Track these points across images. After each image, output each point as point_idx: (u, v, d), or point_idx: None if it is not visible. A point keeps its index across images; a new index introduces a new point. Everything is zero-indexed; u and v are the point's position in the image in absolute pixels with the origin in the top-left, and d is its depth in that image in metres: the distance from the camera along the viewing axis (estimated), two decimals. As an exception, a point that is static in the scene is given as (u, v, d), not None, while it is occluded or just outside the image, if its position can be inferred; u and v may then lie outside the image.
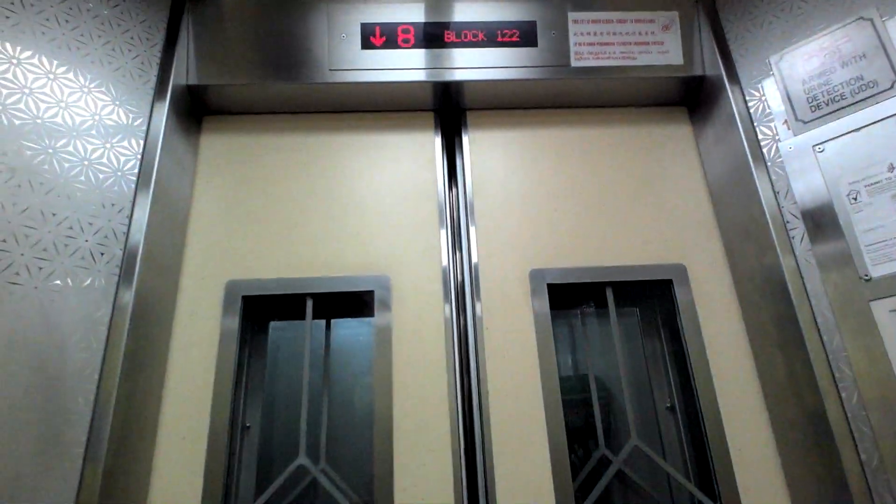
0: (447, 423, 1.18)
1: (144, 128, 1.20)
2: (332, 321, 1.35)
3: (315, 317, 1.26)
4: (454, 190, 1.41)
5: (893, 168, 1.05)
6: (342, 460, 1.25)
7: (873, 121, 1.09)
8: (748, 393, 1.22)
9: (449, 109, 1.48)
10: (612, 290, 1.31)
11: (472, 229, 1.34)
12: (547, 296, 1.27)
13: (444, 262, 1.31)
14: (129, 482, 1.03)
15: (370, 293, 1.26)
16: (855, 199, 1.09)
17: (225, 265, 1.28)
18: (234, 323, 1.21)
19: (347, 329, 1.39)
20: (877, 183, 1.07)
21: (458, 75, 1.36)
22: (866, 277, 1.05)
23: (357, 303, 1.33)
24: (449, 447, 1.16)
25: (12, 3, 1.07)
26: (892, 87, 1.09)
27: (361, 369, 1.35)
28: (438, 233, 1.34)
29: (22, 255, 0.95)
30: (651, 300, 1.40)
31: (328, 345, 1.32)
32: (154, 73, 1.26)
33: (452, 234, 1.35)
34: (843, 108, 1.14)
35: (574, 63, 1.37)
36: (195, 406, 1.16)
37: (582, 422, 1.32)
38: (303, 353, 1.22)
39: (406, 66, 1.35)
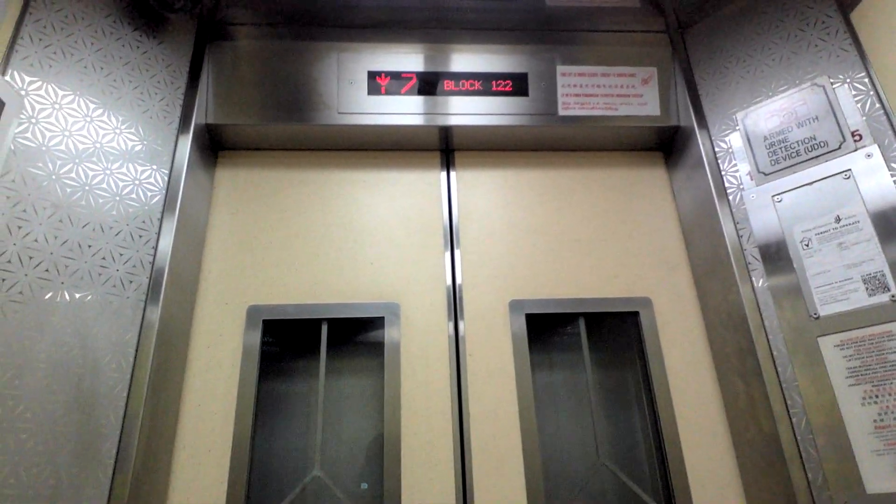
0: (450, 442, 1.28)
1: (168, 165, 1.31)
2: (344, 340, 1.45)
3: (329, 339, 1.36)
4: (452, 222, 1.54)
5: (839, 219, 1.19)
6: (354, 474, 1.34)
7: (823, 177, 1.23)
8: (711, 417, 1.34)
9: (449, 150, 1.61)
10: (585, 320, 1.43)
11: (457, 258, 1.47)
12: (525, 324, 1.39)
13: (448, 289, 1.43)
14: (153, 490, 1.13)
15: (381, 319, 1.37)
16: (807, 245, 1.22)
17: (245, 291, 1.38)
18: (256, 344, 1.31)
19: (358, 350, 1.47)
20: (825, 232, 1.20)
21: (456, 120, 1.49)
22: (815, 316, 1.18)
23: (368, 326, 1.43)
24: (452, 465, 1.26)
25: (55, 53, 1.18)
26: (839, 147, 1.23)
27: (371, 389, 1.43)
28: (444, 263, 1.46)
29: (62, 283, 1.05)
30: (624, 328, 1.52)
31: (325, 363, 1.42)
32: (177, 114, 1.37)
33: (453, 264, 1.47)
34: (798, 163, 1.28)
35: (561, 112, 1.50)
36: (217, 421, 1.25)
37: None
38: (317, 373, 1.33)
39: (409, 111, 1.48)
